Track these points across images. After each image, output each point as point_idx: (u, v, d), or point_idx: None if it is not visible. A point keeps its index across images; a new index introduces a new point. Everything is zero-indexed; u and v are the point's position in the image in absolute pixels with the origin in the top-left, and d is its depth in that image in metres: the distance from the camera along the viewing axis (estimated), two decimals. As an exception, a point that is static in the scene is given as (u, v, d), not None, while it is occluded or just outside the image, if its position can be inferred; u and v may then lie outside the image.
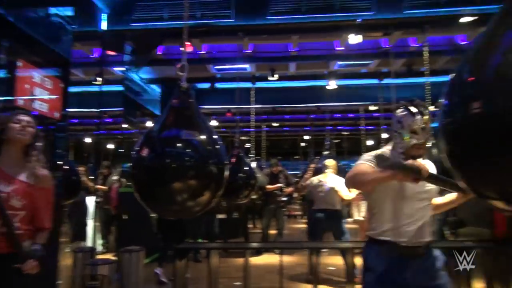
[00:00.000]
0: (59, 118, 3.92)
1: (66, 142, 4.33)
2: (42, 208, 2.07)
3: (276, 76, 8.71)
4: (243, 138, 15.60)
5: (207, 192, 2.43)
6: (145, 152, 2.40)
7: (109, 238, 7.22)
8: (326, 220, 4.99)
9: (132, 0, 7.12)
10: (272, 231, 7.40)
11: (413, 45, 7.77)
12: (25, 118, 2.07)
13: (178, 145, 2.40)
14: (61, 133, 4.06)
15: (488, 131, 1.09)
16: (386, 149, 2.03)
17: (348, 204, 6.69)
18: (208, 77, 9.88)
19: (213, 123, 13.32)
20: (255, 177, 5.46)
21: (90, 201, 6.93)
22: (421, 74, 6.94)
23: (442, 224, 4.32)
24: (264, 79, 9.06)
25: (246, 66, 8.92)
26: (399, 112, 1.98)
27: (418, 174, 1.65)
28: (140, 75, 9.50)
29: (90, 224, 6.84)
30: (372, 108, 11.02)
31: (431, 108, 5.21)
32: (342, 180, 5.16)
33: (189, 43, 6.12)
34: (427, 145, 1.92)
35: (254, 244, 4.92)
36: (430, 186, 1.94)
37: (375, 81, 9.16)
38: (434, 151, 2.51)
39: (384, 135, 10.62)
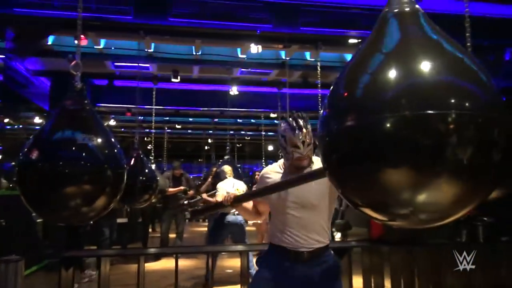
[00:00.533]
0: None
1: None
2: None
3: (179, 78, 8.62)
4: (144, 139, 15.05)
5: (103, 197, 2.34)
6: (34, 155, 2.24)
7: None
8: (228, 224, 5.05)
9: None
10: (172, 235, 7.29)
11: (309, 59, 8.37)
12: None
13: (71, 148, 2.27)
14: None
15: (351, 143, 1.18)
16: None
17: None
18: (106, 73, 9.31)
19: (112, 122, 12.61)
20: (156, 180, 5.33)
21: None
22: (315, 86, 7.50)
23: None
24: (167, 79, 8.89)
25: (148, 65, 8.64)
26: (282, 126, 2.05)
27: (223, 206, 2.17)
28: (25, 66, 8.55)
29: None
30: (272, 115, 11.55)
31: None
32: (242, 184, 5.44)
33: (83, 36, 5.69)
34: (310, 155, 2.03)
35: (151, 250, 4.79)
36: (318, 194, 2.00)
37: (275, 89, 9.63)
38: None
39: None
